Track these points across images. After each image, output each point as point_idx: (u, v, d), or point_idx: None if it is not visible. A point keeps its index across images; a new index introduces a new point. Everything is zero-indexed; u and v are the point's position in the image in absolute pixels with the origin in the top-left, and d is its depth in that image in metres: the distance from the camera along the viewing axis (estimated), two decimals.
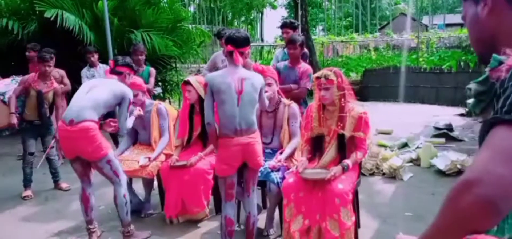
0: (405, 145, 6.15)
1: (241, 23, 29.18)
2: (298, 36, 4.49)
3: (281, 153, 3.31)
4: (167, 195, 3.67)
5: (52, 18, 7.14)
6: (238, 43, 2.77)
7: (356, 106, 3.05)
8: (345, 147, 2.98)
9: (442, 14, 29.26)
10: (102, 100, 3.16)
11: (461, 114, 8.78)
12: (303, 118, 3.31)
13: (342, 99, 2.93)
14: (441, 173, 4.78)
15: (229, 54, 2.79)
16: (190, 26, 10.30)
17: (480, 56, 1.08)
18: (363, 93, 12.64)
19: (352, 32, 24.84)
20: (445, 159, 4.94)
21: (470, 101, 1.05)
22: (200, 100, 3.68)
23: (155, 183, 4.02)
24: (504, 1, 0.97)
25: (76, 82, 6.95)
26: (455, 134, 6.73)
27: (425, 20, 29.12)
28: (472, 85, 1.02)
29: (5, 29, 7.46)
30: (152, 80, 5.40)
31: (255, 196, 3.01)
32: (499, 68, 0.90)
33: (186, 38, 9.42)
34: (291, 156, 3.32)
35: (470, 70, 11.15)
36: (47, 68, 4.55)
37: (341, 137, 2.96)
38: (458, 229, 0.83)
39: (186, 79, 3.81)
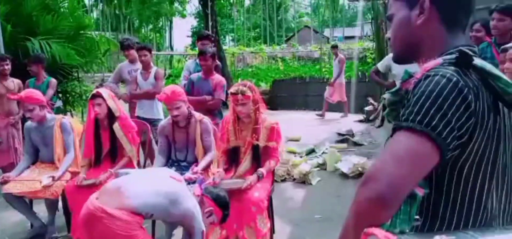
0: (312, 151, 6.52)
1: (148, 31, 28.35)
2: (209, 48, 4.56)
3: (197, 165, 3.31)
4: (74, 216, 3.42)
5: None
6: None
7: (268, 117, 3.18)
8: (259, 156, 3.09)
9: (342, 28, 31.61)
10: None
11: (360, 121, 9.57)
12: (219, 129, 3.36)
13: (257, 112, 3.04)
14: (345, 176, 5.17)
15: None
16: (94, 34, 9.78)
17: (398, 54, 1.19)
18: (273, 102, 13.11)
19: (261, 43, 25.66)
20: (348, 162, 5.36)
21: (386, 110, 1.15)
22: (110, 114, 3.51)
23: (60, 203, 3.73)
24: (437, 17, 1.08)
25: None
26: (356, 139, 7.32)
27: (327, 32, 31.21)
28: (387, 96, 1.13)
29: None
30: (49, 92, 5.03)
31: None
32: (409, 81, 1.03)
33: (89, 47, 8.92)
34: (206, 168, 3.33)
35: (366, 80, 12.24)
36: None
37: (255, 147, 3.07)
38: (359, 222, 0.93)
39: (95, 91, 3.61)
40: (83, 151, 3.64)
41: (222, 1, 24.88)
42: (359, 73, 13.08)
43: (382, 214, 0.91)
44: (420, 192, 0.97)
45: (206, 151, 3.39)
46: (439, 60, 1.01)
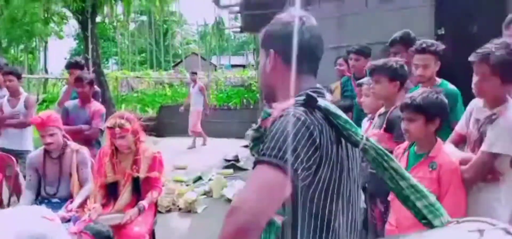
0: (199, 178, 6.53)
1: (19, 51, 25.57)
2: (87, 74, 4.35)
3: (71, 202, 3.08)
4: None
5: None
6: None
7: (149, 147, 3.14)
8: (140, 188, 3.01)
9: (228, 55, 32.56)
10: None
11: (245, 146, 9.92)
12: (96, 161, 3.19)
13: (137, 142, 2.98)
14: (231, 201, 5.28)
15: None
16: None
17: (264, 95, 1.37)
18: (160, 129, 12.84)
19: (147, 68, 25.07)
20: (233, 188, 5.51)
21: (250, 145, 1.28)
22: None
23: None
24: (282, 63, 1.25)
25: None
26: (241, 164, 7.56)
27: (214, 60, 31.89)
28: (250, 132, 1.25)
29: None
30: None
31: None
32: (268, 119, 1.16)
33: None
34: (83, 204, 3.12)
35: (251, 107, 12.80)
36: None
37: (136, 179, 2.98)
38: None
39: None
40: None
41: (103, 24, 23.72)
42: (244, 100, 13.62)
43: None
44: (278, 220, 1.09)
45: (82, 184, 3.18)
46: (291, 101, 1.16)
